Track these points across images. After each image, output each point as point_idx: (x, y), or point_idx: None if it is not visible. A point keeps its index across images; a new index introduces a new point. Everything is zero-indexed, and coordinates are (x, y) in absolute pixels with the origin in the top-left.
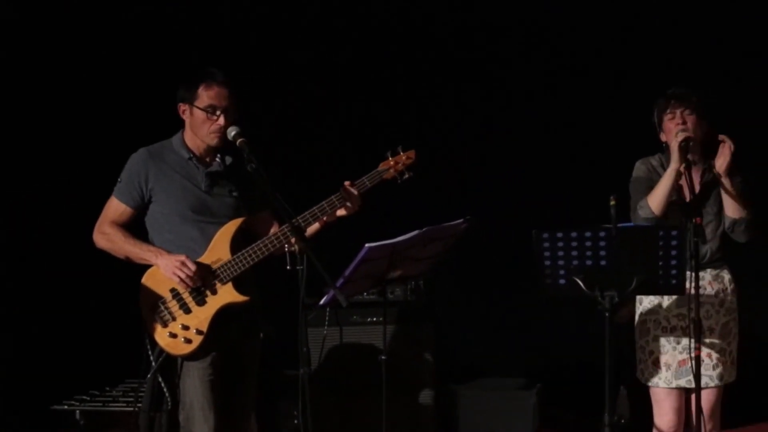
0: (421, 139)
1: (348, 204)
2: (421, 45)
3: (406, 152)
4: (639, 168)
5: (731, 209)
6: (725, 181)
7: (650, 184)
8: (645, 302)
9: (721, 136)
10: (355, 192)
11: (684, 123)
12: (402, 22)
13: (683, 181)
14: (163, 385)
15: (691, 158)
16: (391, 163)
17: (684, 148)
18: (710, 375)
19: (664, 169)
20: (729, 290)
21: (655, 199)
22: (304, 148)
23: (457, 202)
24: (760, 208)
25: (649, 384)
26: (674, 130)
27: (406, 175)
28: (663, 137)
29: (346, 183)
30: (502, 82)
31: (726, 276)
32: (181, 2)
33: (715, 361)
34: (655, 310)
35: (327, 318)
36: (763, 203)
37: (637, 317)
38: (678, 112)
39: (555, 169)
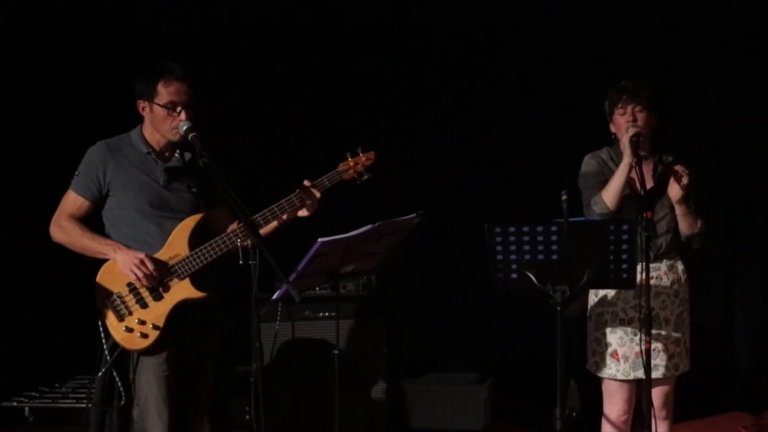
0: (375, 134)
1: (308, 203)
2: (375, 45)
3: (365, 153)
4: (589, 162)
5: (684, 226)
6: (677, 207)
7: (602, 179)
8: (601, 294)
9: (678, 167)
10: (316, 192)
11: (635, 119)
12: (361, 23)
13: (634, 176)
14: (117, 380)
15: (641, 153)
16: (351, 164)
17: (635, 143)
18: (666, 365)
19: (614, 162)
20: (683, 281)
21: (609, 194)
22: (264, 146)
23: (409, 197)
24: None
25: (604, 376)
26: (625, 125)
27: (365, 176)
28: (613, 129)
29: (306, 182)
30: (455, 79)
31: (679, 267)
32: None
33: (671, 352)
34: (613, 302)
35: (279, 313)
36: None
37: (591, 309)
38: (629, 108)
39: (506, 164)
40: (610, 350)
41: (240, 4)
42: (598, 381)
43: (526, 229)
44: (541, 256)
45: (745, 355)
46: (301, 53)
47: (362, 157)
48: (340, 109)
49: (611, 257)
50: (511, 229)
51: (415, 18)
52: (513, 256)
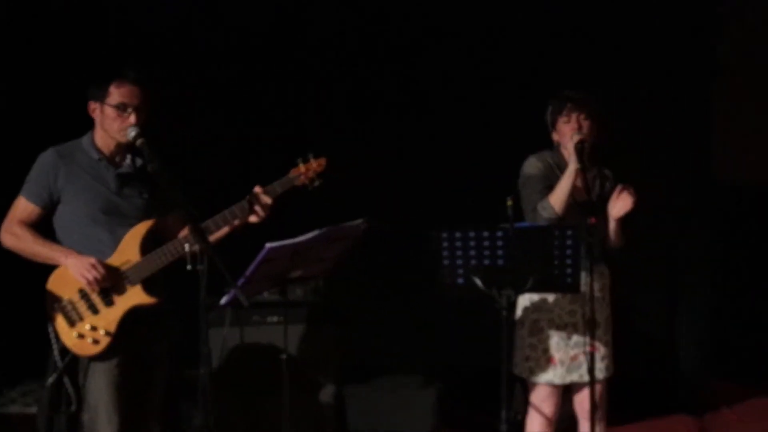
0: (322, 141)
1: (258, 209)
2: (318, 49)
3: (317, 159)
4: (534, 165)
5: (614, 239)
6: (614, 223)
7: (548, 183)
8: (536, 300)
9: (627, 188)
10: (267, 199)
11: (580, 128)
12: (309, 28)
13: (578, 182)
14: (67, 386)
15: (580, 160)
16: (302, 170)
17: (580, 149)
18: (599, 368)
19: (560, 168)
20: (607, 286)
21: (558, 200)
22: (216, 152)
23: (355, 202)
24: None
25: (541, 381)
26: (569, 133)
27: (317, 182)
28: (555, 137)
29: (257, 188)
30: (399, 84)
31: (605, 271)
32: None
33: (602, 354)
34: (550, 308)
35: (227, 318)
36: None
37: (524, 315)
38: (574, 116)
39: (452, 170)
40: (546, 356)
41: (193, 8)
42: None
43: (472, 234)
44: (487, 261)
45: (689, 359)
46: (252, 59)
47: (313, 164)
48: (292, 115)
49: (556, 262)
50: (457, 235)
51: (362, 23)
52: (459, 261)
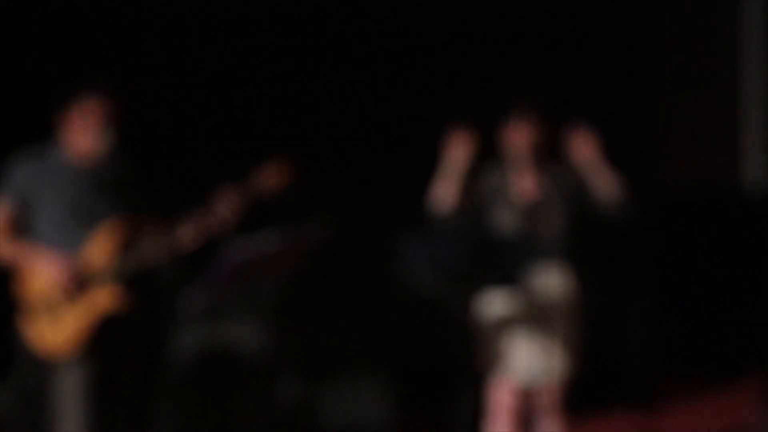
0: (278, 141)
1: (225, 213)
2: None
3: (280, 162)
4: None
5: (605, 186)
6: (593, 170)
7: (491, 191)
8: (496, 297)
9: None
10: (233, 203)
11: (526, 131)
12: (251, 24)
13: (527, 183)
14: (33, 389)
15: (531, 162)
16: (265, 173)
17: (525, 155)
18: (558, 366)
19: (507, 174)
20: (569, 284)
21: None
22: (180, 156)
23: (314, 200)
24: None
25: (499, 379)
26: (515, 136)
27: (281, 185)
28: (504, 140)
29: (223, 192)
30: (343, 84)
31: (567, 270)
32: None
33: (561, 352)
34: (508, 305)
35: (194, 320)
36: None
37: (486, 314)
38: (521, 119)
39: (414, 168)
40: (506, 352)
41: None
42: (488, 384)
43: (435, 235)
44: (449, 262)
45: (636, 353)
46: (197, 61)
47: (277, 167)
48: (254, 116)
49: (513, 262)
50: (420, 235)
51: (310, 19)
52: (423, 261)
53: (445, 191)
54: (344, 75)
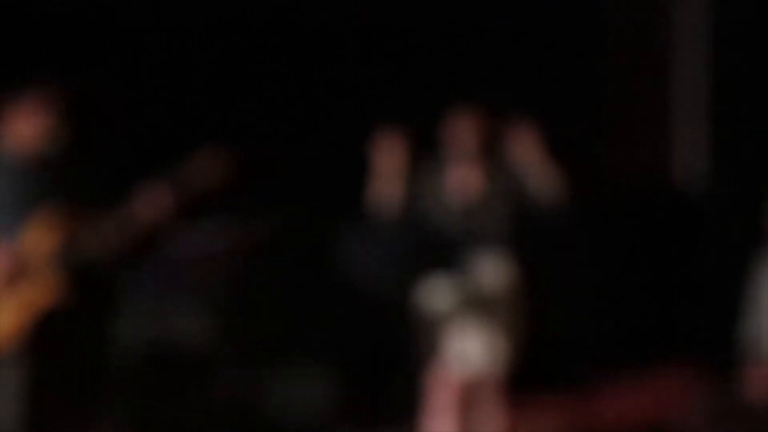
0: (219, 135)
1: (153, 208)
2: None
3: (217, 157)
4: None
5: (550, 182)
6: (537, 168)
7: (432, 184)
8: (439, 292)
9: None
10: (167, 198)
11: (467, 126)
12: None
13: (467, 178)
14: None
15: (473, 157)
16: (203, 167)
17: (466, 149)
18: (498, 359)
19: (445, 168)
20: (509, 276)
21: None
22: (118, 151)
23: (257, 195)
24: None
25: (440, 370)
26: (457, 132)
27: (221, 180)
28: (445, 137)
29: (155, 188)
30: (284, 78)
31: (507, 263)
32: None
33: (502, 345)
34: (446, 301)
35: (134, 312)
36: None
37: (427, 306)
38: (461, 117)
39: (358, 161)
40: (447, 344)
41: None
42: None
43: (378, 230)
44: (392, 258)
45: (575, 341)
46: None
47: (208, 159)
48: (189, 110)
49: (453, 256)
50: (364, 230)
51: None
52: (367, 256)
53: (383, 191)
54: (285, 68)
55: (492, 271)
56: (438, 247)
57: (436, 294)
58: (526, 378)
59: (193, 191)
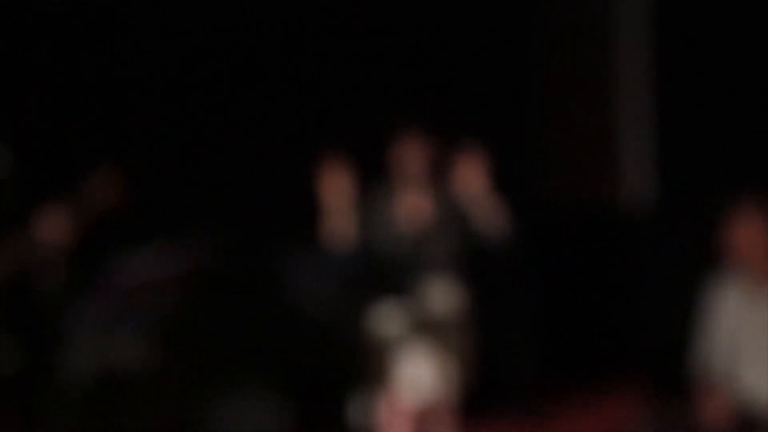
0: (150, 154)
1: (52, 229)
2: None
3: (118, 172)
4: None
5: (491, 218)
6: (481, 201)
7: (380, 210)
8: (388, 318)
9: (467, 156)
10: (64, 220)
11: (411, 152)
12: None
13: (415, 204)
14: None
15: (420, 182)
16: (102, 184)
17: (413, 175)
18: (449, 383)
19: (393, 193)
20: (459, 301)
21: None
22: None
23: (206, 217)
24: None
25: (391, 397)
26: (402, 157)
27: (124, 196)
28: (392, 160)
29: (54, 211)
30: (243, 102)
31: (456, 287)
32: None
33: (453, 370)
34: (396, 326)
35: (80, 334)
36: None
37: (377, 332)
38: (406, 141)
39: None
40: (392, 374)
41: None
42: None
43: (323, 255)
44: (337, 282)
45: (530, 366)
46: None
47: (116, 177)
48: (97, 127)
49: (403, 280)
50: (310, 256)
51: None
52: (313, 281)
53: (333, 218)
54: (237, 90)
55: (441, 296)
56: (388, 273)
57: (387, 319)
58: (477, 402)
59: (91, 212)
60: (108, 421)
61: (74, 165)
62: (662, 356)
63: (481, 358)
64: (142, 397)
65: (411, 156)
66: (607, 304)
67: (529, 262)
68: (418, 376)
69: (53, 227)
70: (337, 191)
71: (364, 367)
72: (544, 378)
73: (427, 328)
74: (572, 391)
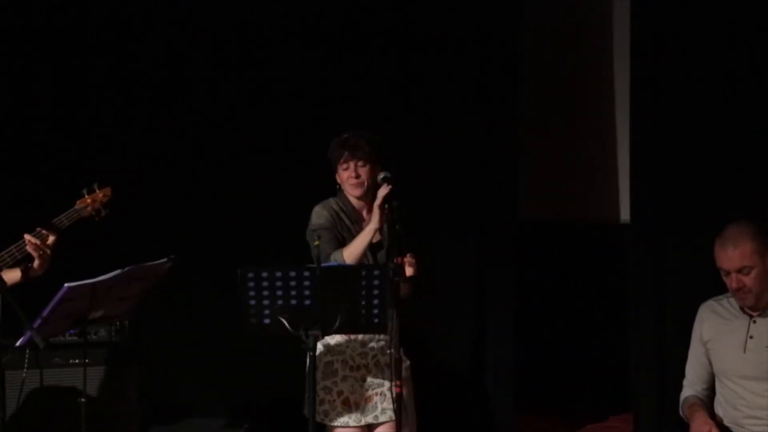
0: (125, 172)
1: (38, 245)
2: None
3: (102, 189)
4: (320, 214)
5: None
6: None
7: (335, 233)
8: (328, 342)
9: (408, 260)
10: (50, 236)
11: (358, 176)
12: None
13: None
14: None
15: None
16: (88, 200)
17: (384, 210)
18: (393, 408)
19: (345, 214)
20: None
21: (352, 254)
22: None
23: (161, 239)
24: None
25: (336, 424)
26: (347, 179)
27: (103, 213)
28: (338, 179)
29: (39, 228)
30: (208, 119)
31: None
32: None
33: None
34: (342, 350)
35: (27, 360)
36: None
37: (318, 358)
38: (352, 164)
39: (258, 208)
40: (342, 398)
41: None
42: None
43: (278, 274)
44: (294, 301)
45: (494, 389)
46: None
47: (99, 194)
48: (74, 145)
49: (363, 302)
50: (264, 274)
51: (146, 45)
52: (266, 301)
53: (356, 251)
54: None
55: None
56: (356, 294)
57: (345, 351)
58: (457, 427)
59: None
60: None
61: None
62: (644, 390)
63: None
64: (87, 424)
65: (357, 176)
66: (586, 325)
67: (502, 284)
68: (370, 400)
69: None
70: None
71: (312, 394)
72: (520, 405)
73: (378, 351)
74: (551, 421)
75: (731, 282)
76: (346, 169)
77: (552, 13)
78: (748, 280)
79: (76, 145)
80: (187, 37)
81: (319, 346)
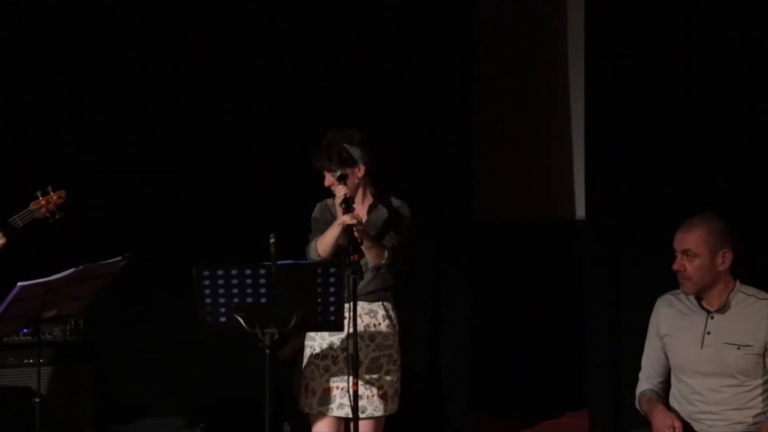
0: (78, 174)
1: None
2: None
3: (56, 192)
4: (316, 209)
5: (370, 257)
6: (357, 234)
7: (323, 227)
8: (317, 337)
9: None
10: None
11: (333, 183)
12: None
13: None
14: None
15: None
16: (42, 202)
17: (344, 205)
18: (360, 407)
19: (330, 210)
20: (382, 325)
21: (322, 245)
22: None
23: (115, 239)
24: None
25: (318, 416)
26: (329, 183)
27: (58, 215)
28: (326, 183)
29: None
30: (160, 119)
31: (380, 311)
32: None
33: (364, 394)
34: (311, 336)
35: None
36: None
37: (302, 353)
38: (328, 174)
39: (215, 205)
40: (305, 383)
41: None
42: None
43: (234, 272)
44: (249, 299)
45: (451, 392)
46: None
47: (54, 196)
48: (29, 145)
49: (319, 300)
50: (220, 272)
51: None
52: (221, 300)
53: (326, 242)
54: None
55: (370, 315)
56: (312, 291)
57: (315, 338)
58: (414, 424)
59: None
60: None
61: None
62: (602, 389)
63: (414, 383)
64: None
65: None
66: (542, 324)
67: (463, 283)
68: (346, 395)
69: None
70: None
71: (290, 387)
72: (477, 408)
73: (337, 345)
74: (503, 426)
75: (675, 263)
76: (326, 175)
77: (506, 9)
78: (690, 267)
79: (30, 147)
80: (145, 33)
81: (306, 343)
